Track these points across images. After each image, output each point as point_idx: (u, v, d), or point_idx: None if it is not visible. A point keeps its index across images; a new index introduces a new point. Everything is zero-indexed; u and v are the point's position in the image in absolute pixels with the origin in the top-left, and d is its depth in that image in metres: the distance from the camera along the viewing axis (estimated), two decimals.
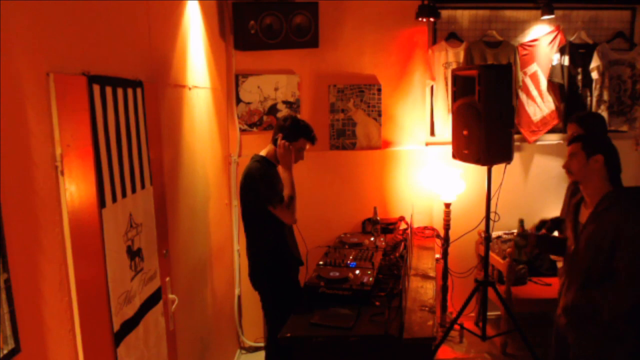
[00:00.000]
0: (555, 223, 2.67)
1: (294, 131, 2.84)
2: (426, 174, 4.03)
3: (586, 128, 3.02)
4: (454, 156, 3.61)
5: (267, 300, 2.96)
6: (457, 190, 3.90)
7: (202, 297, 2.99)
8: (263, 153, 2.94)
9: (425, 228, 4.07)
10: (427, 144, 4.13)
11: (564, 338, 2.46)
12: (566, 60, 4.01)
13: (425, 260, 3.43)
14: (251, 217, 2.89)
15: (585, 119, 3.12)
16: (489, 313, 3.83)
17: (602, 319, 2.24)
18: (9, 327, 1.14)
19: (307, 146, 2.90)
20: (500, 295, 3.61)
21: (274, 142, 2.86)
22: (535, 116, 4.12)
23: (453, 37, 4.03)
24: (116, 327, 1.64)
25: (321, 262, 3.03)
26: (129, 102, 1.79)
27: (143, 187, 1.91)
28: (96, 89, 1.54)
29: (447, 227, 3.93)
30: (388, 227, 3.82)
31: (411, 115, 4.07)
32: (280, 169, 2.89)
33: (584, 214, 2.37)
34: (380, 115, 3.99)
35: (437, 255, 3.78)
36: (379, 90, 3.96)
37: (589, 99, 4.11)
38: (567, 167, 2.38)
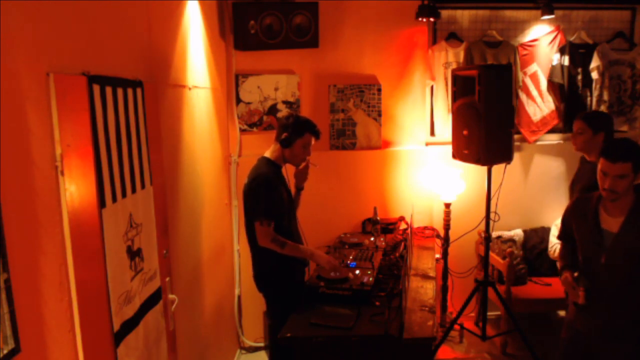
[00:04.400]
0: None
1: (298, 127, 2.83)
2: (426, 174, 4.03)
3: (593, 127, 3.01)
4: (454, 156, 3.60)
5: (272, 303, 2.95)
6: (457, 190, 3.90)
7: (202, 297, 2.99)
8: (268, 154, 2.91)
9: (425, 228, 4.07)
10: (427, 144, 4.13)
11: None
12: (566, 60, 4.01)
13: (425, 260, 3.43)
14: (255, 220, 2.85)
15: (592, 118, 3.11)
16: (489, 313, 3.83)
17: None
18: (9, 327, 1.14)
19: (312, 141, 2.90)
20: (500, 295, 3.61)
21: (281, 142, 2.83)
22: (535, 116, 4.12)
23: (453, 37, 4.03)
24: (116, 327, 1.64)
25: None
26: (129, 102, 1.79)
27: (143, 187, 1.91)
28: (96, 89, 1.54)
29: (447, 227, 3.93)
30: (388, 227, 3.82)
31: (411, 115, 4.07)
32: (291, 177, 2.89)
33: (610, 222, 2.32)
34: (380, 115, 3.99)
35: (437, 255, 3.78)
36: (379, 90, 3.97)
37: (589, 99, 4.11)
38: (613, 188, 2.22)
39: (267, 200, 2.72)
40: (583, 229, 2.42)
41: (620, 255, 2.29)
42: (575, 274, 2.32)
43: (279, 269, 2.84)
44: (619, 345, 2.35)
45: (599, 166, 2.26)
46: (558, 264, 2.60)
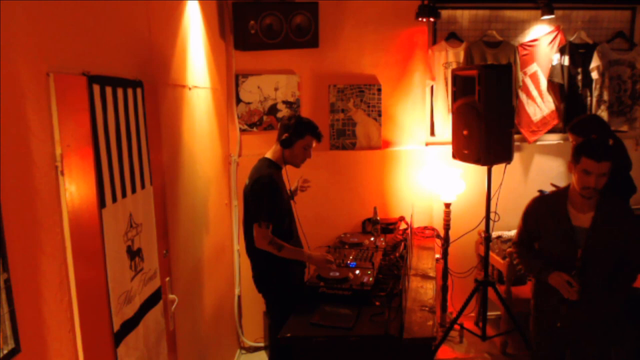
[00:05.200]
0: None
1: (299, 128, 2.82)
2: (426, 174, 4.03)
3: (582, 134, 3.04)
4: (454, 156, 3.61)
5: (272, 304, 2.95)
6: (457, 190, 3.90)
7: (202, 297, 2.99)
8: (269, 155, 2.90)
9: (425, 228, 4.07)
10: (427, 144, 4.13)
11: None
12: (566, 60, 4.01)
13: (425, 260, 3.43)
14: (254, 222, 2.84)
15: (579, 126, 3.13)
16: (489, 313, 3.83)
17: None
18: (9, 327, 1.14)
19: (314, 144, 2.89)
20: (500, 295, 3.62)
21: (282, 143, 2.82)
22: (535, 116, 4.12)
23: (453, 37, 4.03)
24: (116, 327, 1.64)
25: None
26: (129, 102, 1.79)
27: (143, 187, 1.91)
28: (96, 89, 1.54)
29: (447, 227, 3.93)
30: (388, 227, 3.82)
31: (411, 115, 4.07)
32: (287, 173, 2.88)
33: (580, 219, 2.38)
34: (380, 115, 3.99)
35: (437, 255, 3.78)
36: (379, 90, 3.96)
37: (589, 99, 4.11)
38: (597, 187, 2.29)
39: (269, 202, 2.72)
40: (552, 228, 2.45)
41: (596, 249, 2.35)
42: (573, 272, 2.33)
43: (277, 270, 2.84)
44: (600, 335, 2.42)
45: (580, 166, 2.28)
46: (531, 267, 2.57)
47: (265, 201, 2.71)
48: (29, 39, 1.27)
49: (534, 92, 4.10)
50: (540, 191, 3.43)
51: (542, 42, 4.06)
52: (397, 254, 3.20)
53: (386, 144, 4.06)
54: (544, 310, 2.56)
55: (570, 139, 3.17)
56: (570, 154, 2.44)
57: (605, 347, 2.43)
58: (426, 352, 2.51)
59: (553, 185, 3.48)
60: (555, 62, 4.03)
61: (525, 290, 3.87)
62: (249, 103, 3.84)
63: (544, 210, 2.51)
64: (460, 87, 3.49)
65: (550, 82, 4.06)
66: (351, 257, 3.16)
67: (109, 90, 1.62)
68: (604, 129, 3.17)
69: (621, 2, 4.15)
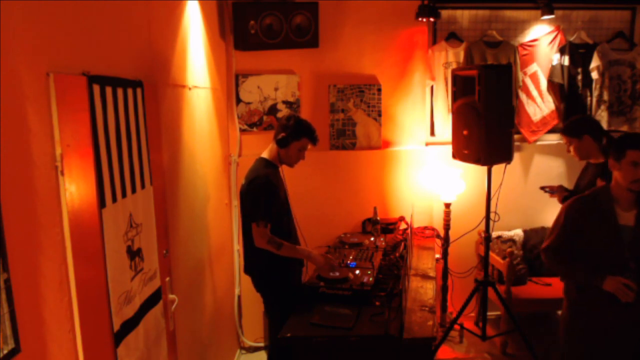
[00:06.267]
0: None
1: (297, 130, 2.83)
2: (426, 174, 4.03)
3: (574, 134, 3.05)
4: (454, 156, 3.61)
5: (270, 303, 2.95)
6: (457, 190, 3.90)
7: (202, 297, 2.99)
8: (265, 155, 2.91)
9: (425, 228, 4.07)
10: (427, 144, 4.13)
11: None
12: (566, 60, 4.01)
13: (425, 260, 3.43)
14: (252, 221, 2.85)
15: (569, 128, 3.13)
16: (489, 313, 3.83)
17: None
18: (9, 327, 1.14)
19: (309, 146, 2.90)
20: (500, 295, 3.61)
21: (278, 142, 2.83)
22: (535, 116, 4.12)
23: (453, 37, 4.03)
24: (116, 327, 1.64)
25: None
26: (129, 102, 1.79)
27: (143, 187, 1.91)
28: (96, 89, 1.54)
29: (447, 227, 3.93)
30: (388, 227, 3.82)
31: (411, 115, 4.07)
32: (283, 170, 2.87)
33: (625, 217, 2.37)
34: (380, 115, 3.99)
35: (437, 255, 3.78)
36: (379, 90, 3.96)
37: (589, 99, 4.11)
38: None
39: (266, 202, 2.72)
40: (596, 228, 2.41)
41: None
42: (627, 274, 2.32)
43: (275, 269, 2.84)
44: (622, 337, 2.39)
45: (627, 159, 2.29)
46: (575, 275, 2.50)
47: (262, 201, 2.71)
48: (29, 39, 1.27)
49: (534, 92, 4.10)
50: (542, 187, 3.41)
51: (542, 42, 4.06)
52: (397, 254, 3.20)
53: (386, 144, 4.06)
54: (588, 313, 2.48)
55: (564, 141, 3.16)
56: (610, 151, 2.41)
57: (630, 347, 2.41)
58: (426, 352, 2.51)
59: (544, 188, 3.43)
60: (555, 62, 4.03)
61: (525, 290, 3.88)
62: (249, 103, 3.84)
63: (586, 210, 2.46)
64: (460, 87, 3.49)
65: (550, 82, 4.06)
66: (351, 257, 3.16)
67: (109, 90, 1.62)
68: (598, 128, 3.17)
69: (621, 2, 4.15)
